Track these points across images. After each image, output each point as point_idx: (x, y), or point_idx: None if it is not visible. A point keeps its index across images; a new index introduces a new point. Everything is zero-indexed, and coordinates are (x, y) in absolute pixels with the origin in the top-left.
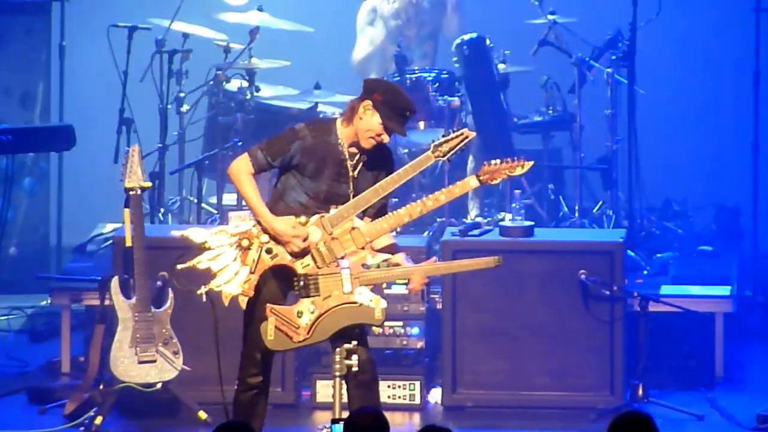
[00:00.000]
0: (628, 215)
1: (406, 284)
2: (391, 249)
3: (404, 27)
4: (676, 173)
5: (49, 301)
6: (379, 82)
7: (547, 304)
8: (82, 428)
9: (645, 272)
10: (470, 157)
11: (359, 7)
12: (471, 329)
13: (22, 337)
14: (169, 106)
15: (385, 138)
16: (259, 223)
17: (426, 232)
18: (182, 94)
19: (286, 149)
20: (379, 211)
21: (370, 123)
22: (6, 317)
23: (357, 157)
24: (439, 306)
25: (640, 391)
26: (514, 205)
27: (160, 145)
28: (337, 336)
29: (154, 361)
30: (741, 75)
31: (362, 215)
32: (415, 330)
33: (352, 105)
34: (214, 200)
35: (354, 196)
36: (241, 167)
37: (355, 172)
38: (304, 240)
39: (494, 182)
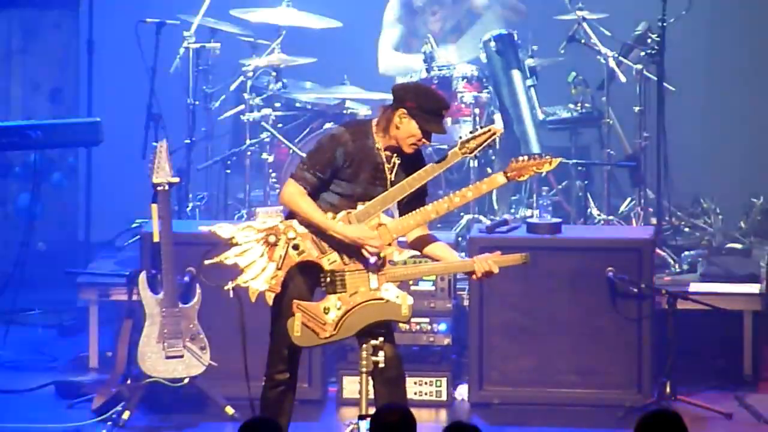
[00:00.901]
0: (657, 212)
1: (470, 274)
2: (428, 240)
3: (429, 22)
4: (705, 170)
5: (77, 296)
6: (408, 89)
7: (575, 302)
8: (109, 423)
9: (674, 269)
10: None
11: (387, 2)
12: (498, 326)
13: (50, 332)
14: (196, 102)
15: (427, 141)
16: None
17: (453, 229)
18: (209, 90)
19: (332, 159)
20: (411, 207)
21: (409, 130)
22: (35, 312)
23: (392, 160)
24: (466, 302)
25: (668, 389)
26: (542, 201)
27: (188, 141)
28: (363, 332)
29: (182, 357)
30: None
31: (390, 212)
32: (442, 326)
33: (386, 116)
34: (241, 196)
35: None
36: (293, 191)
37: (392, 175)
38: (379, 243)
39: (522, 179)
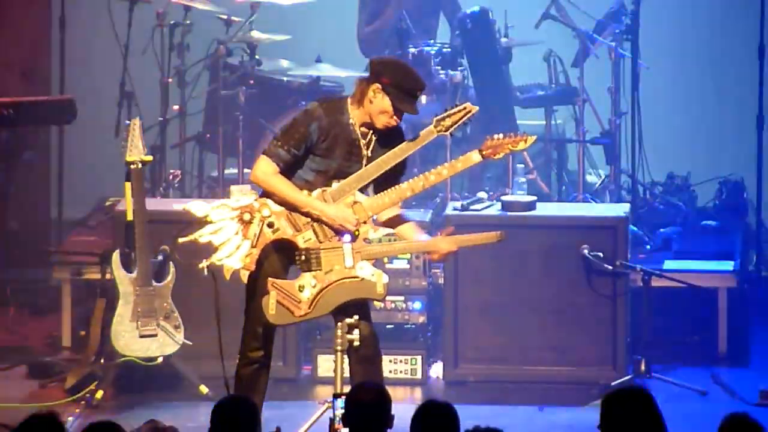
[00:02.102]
0: (631, 190)
1: (430, 254)
2: (399, 220)
3: (405, 2)
4: (680, 147)
5: (50, 275)
6: (386, 64)
7: (550, 279)
8: (82, 402)
9: (648, 247)
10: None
11: None
12: (473, 304)
13: (22, 311)
14: (170, 80)
15: (398, 119)
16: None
17: (430, 212)
18: (183, 67)
19: (306, 134)
20: (387, 185)
21: (381, 105)
22: (7, 291)
23: (369, 136)
24: (441, 281)
25: (643, 367)
26: (517, 179)
27: (161, 119)
28: (338, 310)
29: (155, 335)
30: (745, 48)
31: (364, 190)
32: (417, 305)
33: (361, 88)
34: (215, 174)
35: None
36: (266, 170)
37: (369, 151)
38: (357, 223)
39: (497, 157)
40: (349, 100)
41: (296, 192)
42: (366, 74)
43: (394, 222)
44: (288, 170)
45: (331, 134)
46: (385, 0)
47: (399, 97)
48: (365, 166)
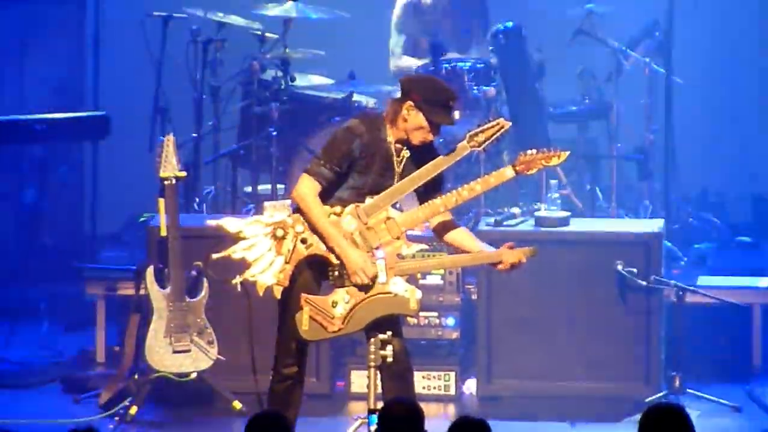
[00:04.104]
0: (665, 205)
1: (495, 265)
2: (451, 225)
3: (441, 21)
4: (713, 163)
5: (83, 291)
6: (414, 81)
7: (583, 295)
8: (116, 418)
9: (682, 263)
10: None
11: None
12: (506, 319)
13: (57, 327)
14: (204, 96)
15: (435, 133)
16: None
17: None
18: (216, 83)
19: (348, 152)
20: (426, 200)
21: (417, 122)
22: (41, 306)
23: (402, 153)
24: (474, 296)
25: (677, 383)
26: (550, 195)
27: (195, 135)
28: (371, 326)
29: (189, 351)
30: None
31: (395, 204)
32: (451, 320)
33: (393, 108)
34: (249, 190)
35: None
36: (307, 190)
37: (401, 168)
38: (372, 278)
39: (530, 172)
40: (384, 117)
41: (329, 224)
42: (397, 93)
43: (445, 227)
44: (329, 188)
45: (371, 150)
46: (423, 28)
47: (432, 111)
48: (397, 182)
